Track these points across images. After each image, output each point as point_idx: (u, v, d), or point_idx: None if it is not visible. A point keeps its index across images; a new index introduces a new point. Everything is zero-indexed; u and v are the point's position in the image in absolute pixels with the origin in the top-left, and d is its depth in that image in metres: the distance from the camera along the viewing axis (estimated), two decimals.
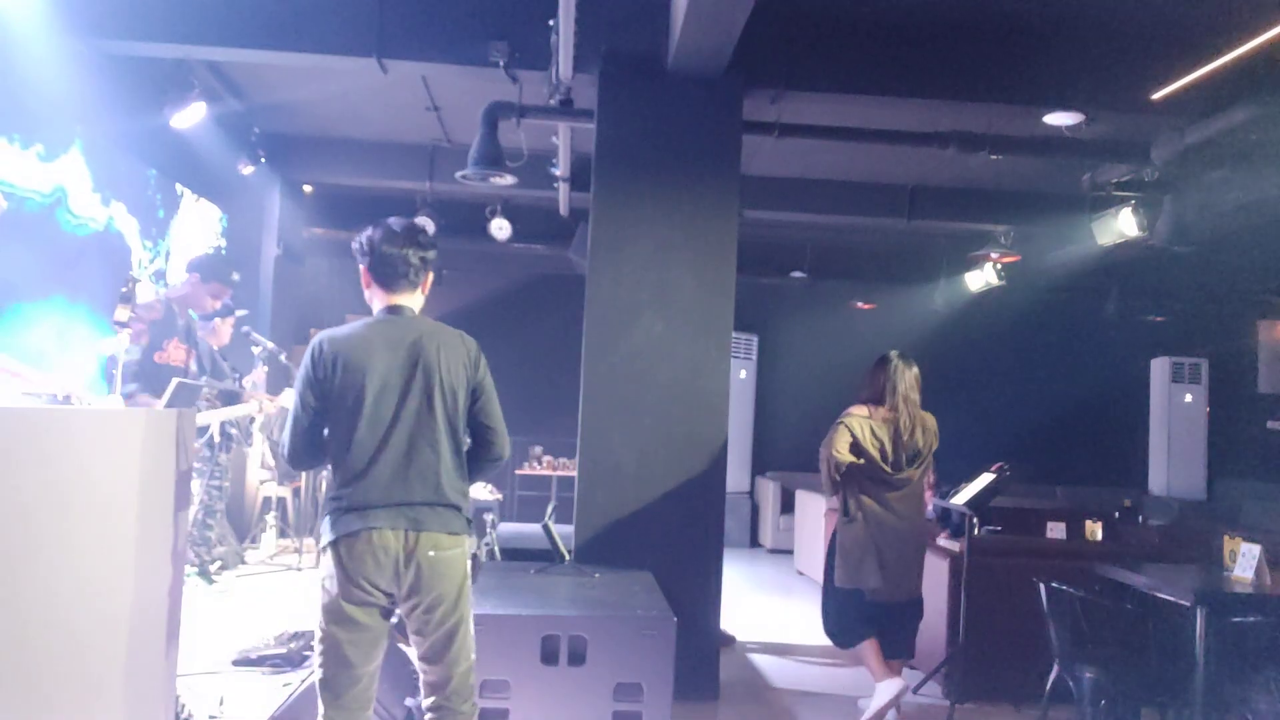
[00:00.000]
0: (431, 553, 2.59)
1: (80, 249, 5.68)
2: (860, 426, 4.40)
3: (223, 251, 7.92)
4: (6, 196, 4.90)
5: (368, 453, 2.60)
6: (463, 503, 2.70)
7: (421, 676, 2.70)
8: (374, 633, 2.61)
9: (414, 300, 2.80)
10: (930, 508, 6.77)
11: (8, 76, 4.76)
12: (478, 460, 2.79)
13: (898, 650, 4.47)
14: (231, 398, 4.88)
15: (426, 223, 8.28)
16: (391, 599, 2.63)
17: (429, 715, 2.68)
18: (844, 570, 4.45)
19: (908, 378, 4.47)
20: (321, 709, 2.61)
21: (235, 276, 4.84)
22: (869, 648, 4.44)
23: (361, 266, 2.81)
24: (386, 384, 2.63)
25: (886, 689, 4.27)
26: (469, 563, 2.70)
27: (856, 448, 4.38)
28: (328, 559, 2.60)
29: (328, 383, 2.62)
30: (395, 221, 2.80)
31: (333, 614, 2.58)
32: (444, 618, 2.61)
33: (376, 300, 2.80)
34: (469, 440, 2.79)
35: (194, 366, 4.69)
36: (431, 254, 2.81)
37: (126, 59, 5.70)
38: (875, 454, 4.37)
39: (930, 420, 4.53)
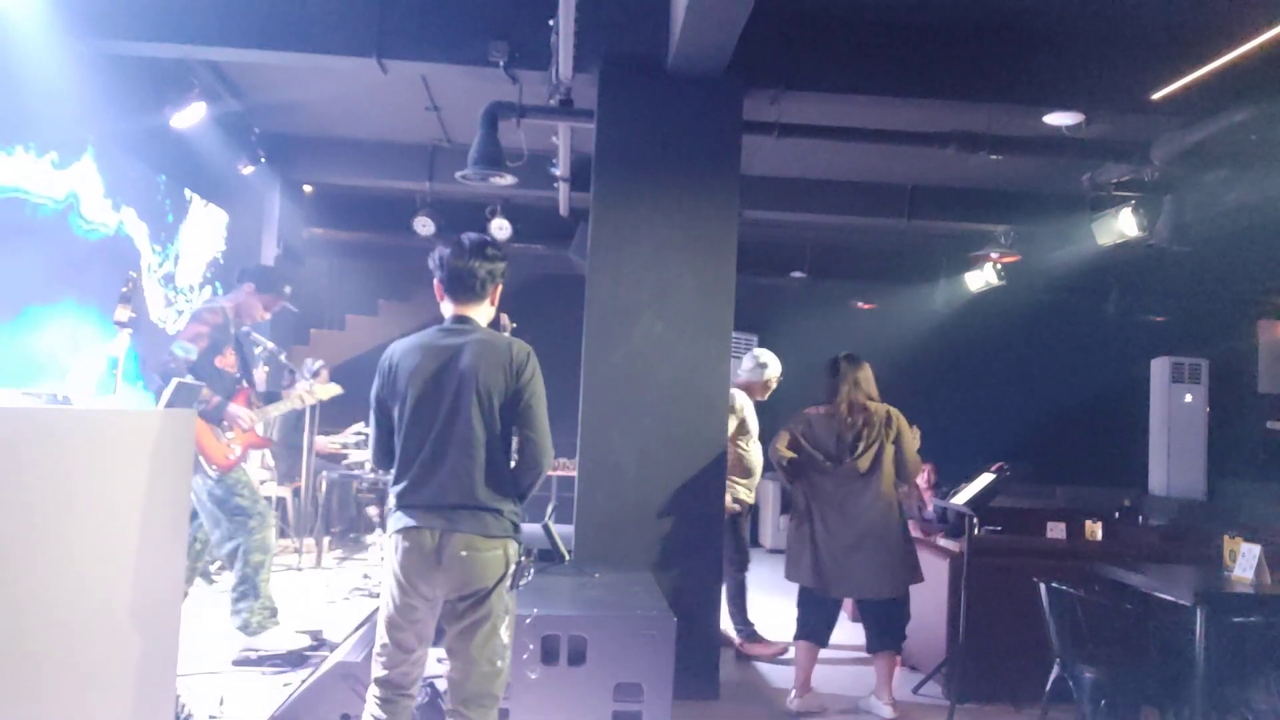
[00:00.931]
0: (464, 553, 2.68)
1: (91, 253, 5.77)
2: (800, 426, 4.57)
3: (221, 259, 7.92)
4: (22, 204, 5.01)
5: (410, 454, 2.75)
6: (503, 506, 2.74)
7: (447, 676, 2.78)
8: (418, 627, 2.74)
9: (479, 310, 2.91)
10: (930, 508, 6.78)
11: (22, 86, 4.84)
12: (517, 468, 2.82)
13: (874, 644, 4.51)
14: (271, 398, 4.92)
15: (426, 222, 8.30)
16: (434, 601, 2.73)
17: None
18: (787, 565, 4.60)
19: (851, 376, 4.55)
20: (371, 681, 2.79)
21: (288, 290, 4.85)
22: (801, 648, 4.56)
23: (435, 280, 2.92)
24: (426, 390, 2.75)
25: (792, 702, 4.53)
26: (510, 567, 2.73)
27: (795, 445, 4.54)
28: (389, 549, 2.77)
29: (388, 388, 2.81)
30: (467, 236, 2.93)
31: (385, 599, 2.76)
32: (468, 611, 2.70)
33: (446, 311, 2.91)
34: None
35: (239, 373, 4.72)
36: (498, 265, 2.91)
37: (133, 67, 5.73)
38: (811, 448, 4.50)
39: (881, 410, 4.52)
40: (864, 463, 4.44)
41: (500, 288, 2.96)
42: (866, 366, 4.61)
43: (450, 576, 2.67)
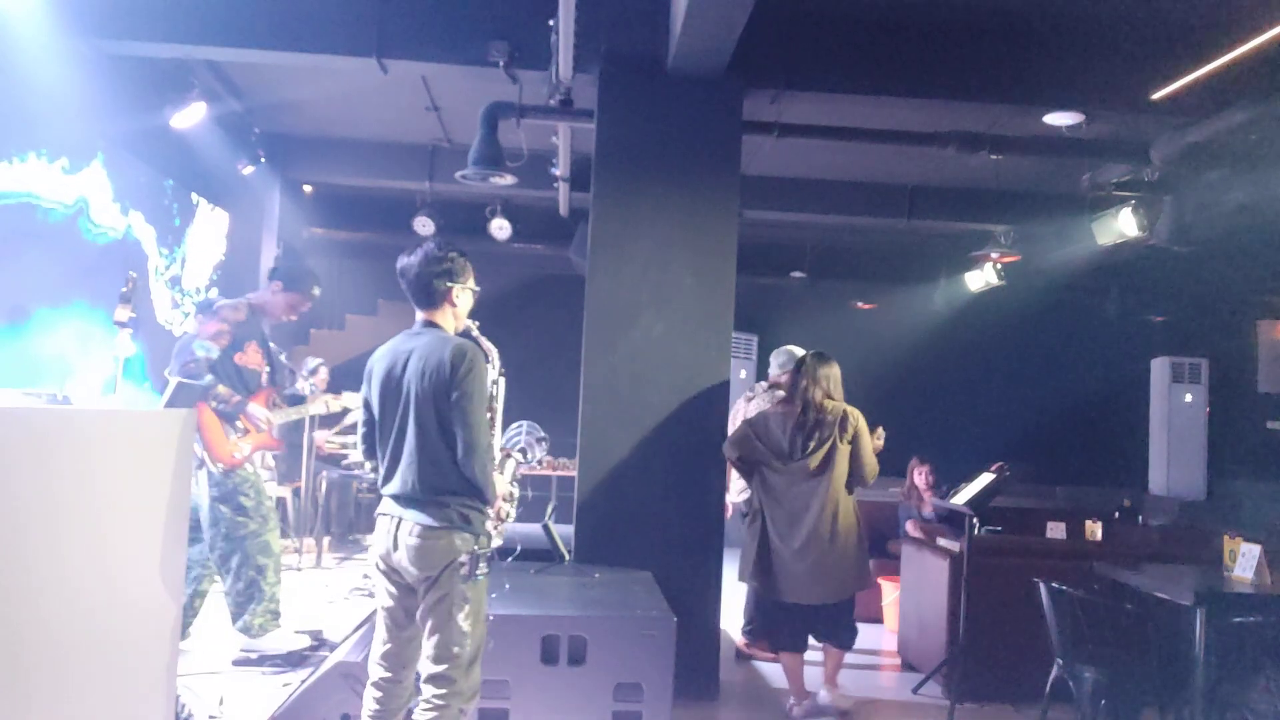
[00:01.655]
0: (411, 540, 2.82)
1: (100, 256, 5.88)
2: (759, 423, 4.52)
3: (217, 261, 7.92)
4: (33, 208, 5.15)
5: (382, 450, 2.96)
6: (449, 499, 2.84)
7: None
8: (394, 605, 2.91)
9: (440, 314, 3.01)
10: (929, 508, 6.77)
11: (34, 94, 4.95)
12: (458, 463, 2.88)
13: (821, 635, 4.48)
14: (296, 400, 4.89)
15: (426, 222, 8.31)
16: (410, 582, 2.88)
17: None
18: (741, 566, 4.57)
19: (811, 374, 4.47)
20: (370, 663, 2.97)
21: (316, 291, 4.81)
22: (786, 660, 4.48)
23: None
24: (386, 391, 2.93)
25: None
26: (462, 556, 2.81)
27: (748, 441, 4.50)
28: None
29: (367, 389, 3.01)
30: (421, 246, 3.02)
31: (375, 576, 2.97)
32: (426, 594, 2.83)
33: (418, 317, 3.04)
34: None
35: (267, 370, 4.69)
36: (448, 266, 2.98)
37: (138, 73, 5.79)
38: (763, 445, 4.44)
39: (838, 409, 4.40)
40: (814, 462, 4.35)
41: (460, 289, 3.00)
42: (832, 365, 4.53)
43: (405, 560, 2.83)
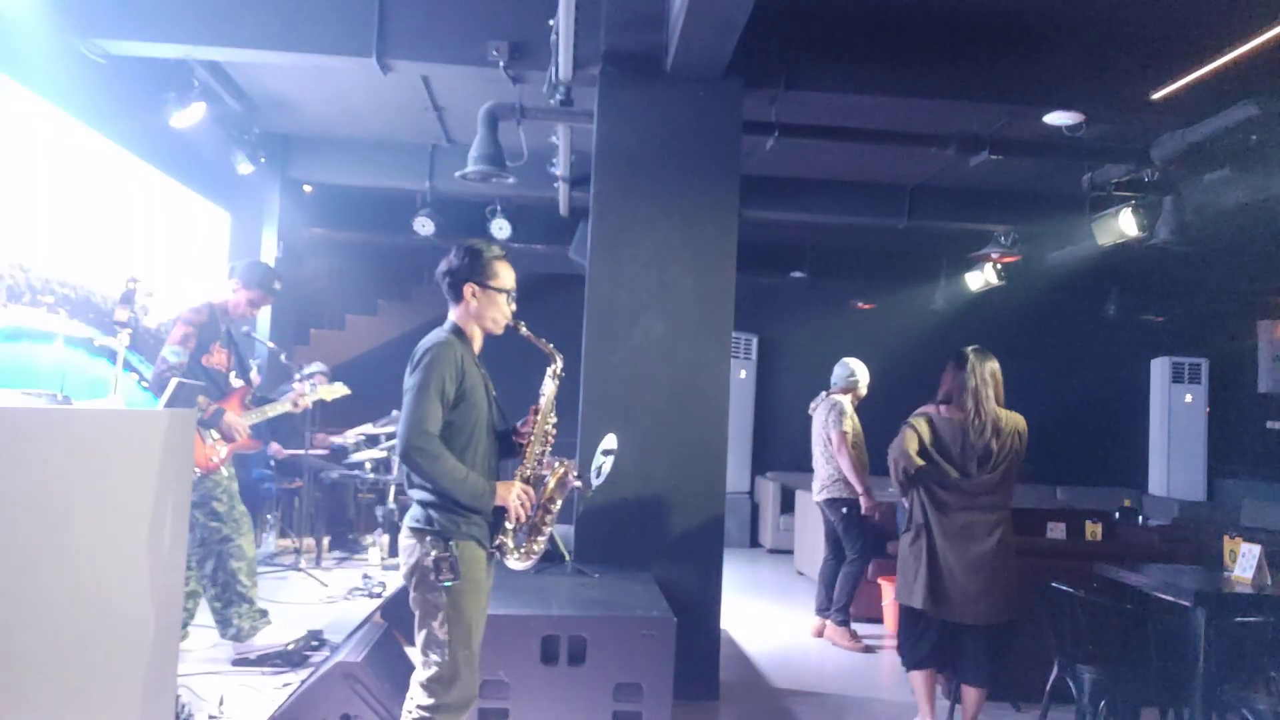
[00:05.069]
0: (400, 540, 2.85)
1: None
2: (924, 428, 4.11)
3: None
4: None
5: None
6: (425, 498, 2.79)
7: None
8: None
9: (456, 312, 2.96)
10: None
11: None
12: None
13: (965, 675, 4.11)
14: (260, 402, 4.87)
15: (426, 222, 8.32)
16: None
17: None
18: (899, 584, 4.21)
19: (979, 374, 4.07)
20: None
21: (277, 285, 4.80)
22: (919, 678, 4.18)
23: None
24: None
25: None
26: (427, 560, 2.72)
27: (924, 451, 4.08)
28: None
29: None
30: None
31: None
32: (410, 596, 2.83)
33: None
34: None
35: (234, 370, 4.67)
36: (450, 263, 2.94)
37: (146, 79, 5.81)
38: (938, 457, 4.07)
39: (1011, 419, 4.09)
40: (996, 477, 4.03)
41: (475, 287, 2.89)
42: (995, 362, 4.14)
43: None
